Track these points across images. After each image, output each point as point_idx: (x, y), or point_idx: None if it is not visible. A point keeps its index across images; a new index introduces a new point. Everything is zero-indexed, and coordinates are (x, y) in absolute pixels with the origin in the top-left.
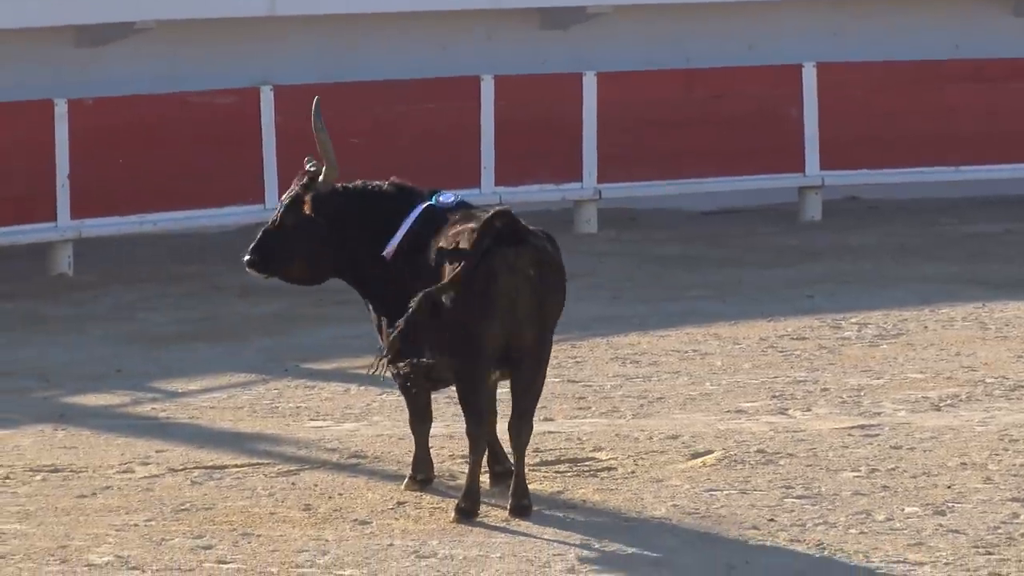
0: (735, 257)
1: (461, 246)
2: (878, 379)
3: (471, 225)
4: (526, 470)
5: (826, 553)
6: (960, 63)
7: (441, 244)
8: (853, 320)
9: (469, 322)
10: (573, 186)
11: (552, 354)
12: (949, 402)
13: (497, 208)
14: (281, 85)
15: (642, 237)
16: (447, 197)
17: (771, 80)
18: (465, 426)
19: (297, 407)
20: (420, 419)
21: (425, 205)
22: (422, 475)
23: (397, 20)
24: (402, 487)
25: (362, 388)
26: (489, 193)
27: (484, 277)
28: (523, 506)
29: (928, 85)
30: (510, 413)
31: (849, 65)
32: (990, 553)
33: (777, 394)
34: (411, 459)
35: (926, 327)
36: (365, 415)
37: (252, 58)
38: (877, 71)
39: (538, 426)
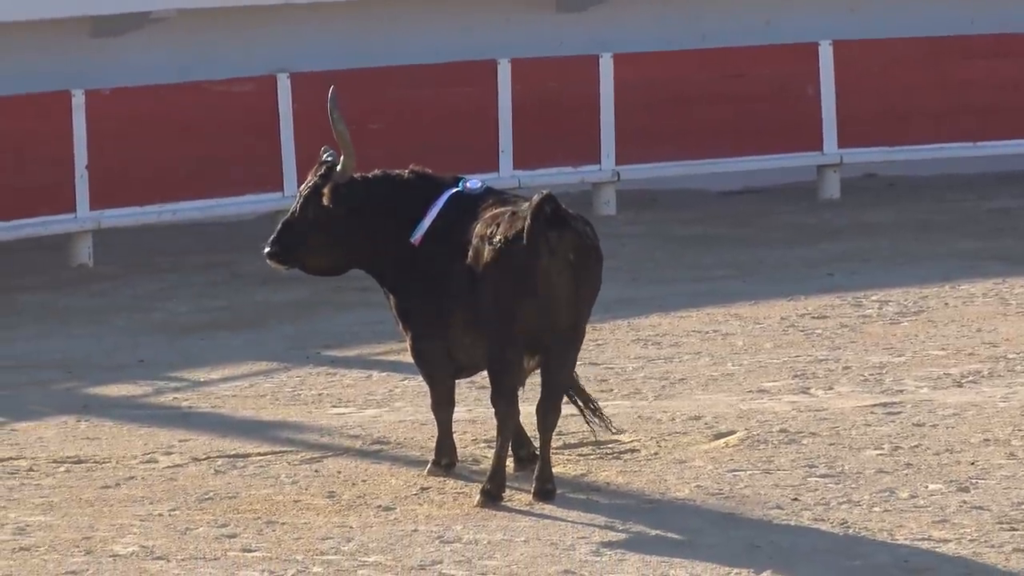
0: (754, 236)
1: (502, 230)
2: (900, 356)
3: (509, 208)
4: (550, 454)
5: (850, 532)
6: (977, 38)
7: (479, 228)
8: (874, 298)
9: (507, 301)
10: (591, 168)
11: None
12: (971, 378)
13: (544, 192)
14: (298, 73)
15: (661, 218)
16: (474, 183)
17: (788, 58)
18: (493, 408)
19: (319, 394)
20: (443, 404)
21: (453, 191)
22: (446, 460)
23: (413, 5)
24: (425, 472)
25: (384, 374)
26: (507, 176)
27: (525, 257)
28: (547, 490)
29: (945, 60)
30: (539, 397)
31: (865, 42)
32: (1015, 529)
33: (799, 373)
34: (434, 444)
35: (947, 304)
36: (387, 401)
37: (269, 46)
38: (894, 47)
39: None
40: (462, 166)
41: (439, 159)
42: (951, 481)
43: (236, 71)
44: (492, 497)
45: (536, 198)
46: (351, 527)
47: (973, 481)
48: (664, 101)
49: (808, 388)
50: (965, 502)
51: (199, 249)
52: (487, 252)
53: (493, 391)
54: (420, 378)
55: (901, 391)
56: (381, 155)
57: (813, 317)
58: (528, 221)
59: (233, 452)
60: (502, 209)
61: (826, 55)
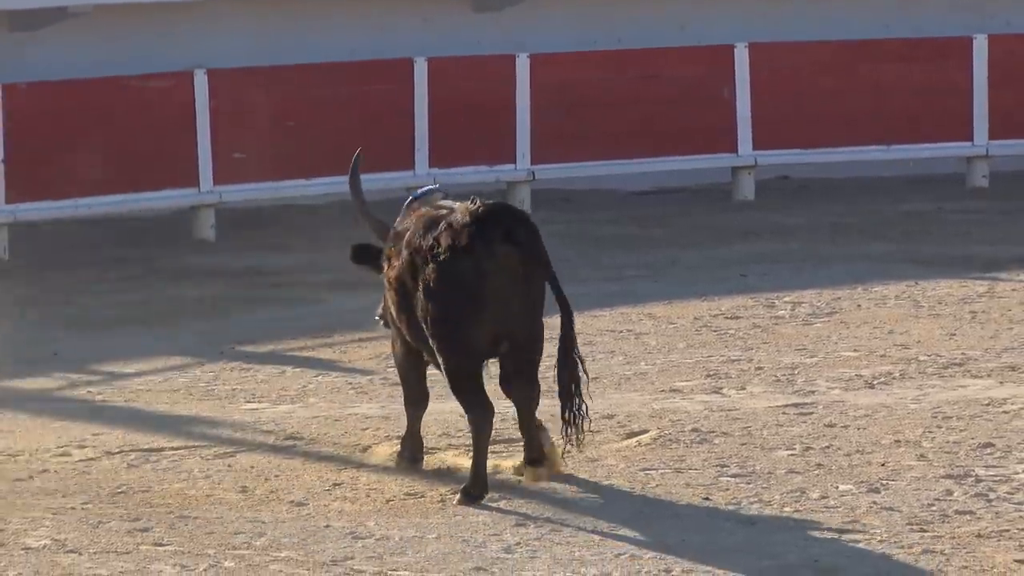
0: (669, 237)
1: (442, 244)
2: (812, 357)
3: (437, 215)
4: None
5: (761, 531)
6: (890, 42)
7: (409, 237)
8: (787, 299)
9: (456, 320)
10: (507, 167)
11: None
12: (883, 380)
13: (478, 203)
14: (215, 69)
15: (576, 218)
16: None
17: (703, 60)
18: (467, 416)
19: (233, 389)
20: (415, 402)
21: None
22: (409, 453)
23: (332, 3)
24: (394, 463)
25: (298, 370)
26: (423, 174)
27: (473, 275)
28: (535, 459)
29: (859, 64)
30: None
31: (781, 45)
32: (924, 530)
33: (712, 373)
34: (346, 440)
35: (859, 305)
36: (301, 397)
37: (186, 41)
38: (809, 51)
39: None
40: (378, 164)
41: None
42: (862, 482)
43: (153, 66)
44: (472, 498)
45: (470, 206)
46: (263, 522)
47: (883, 482)
48: (580, 102)
49: (720, 388)
50: (875, 503)
51: (115, 244)
52: (429, 269)
53: (461, 405)
54: (334, 374)
55: (813, 392)
56: (296, 152)
57: (726, 317)
58: (466, 237)
59: (146, 446)
60: (428, 213)
61: (742, 57)
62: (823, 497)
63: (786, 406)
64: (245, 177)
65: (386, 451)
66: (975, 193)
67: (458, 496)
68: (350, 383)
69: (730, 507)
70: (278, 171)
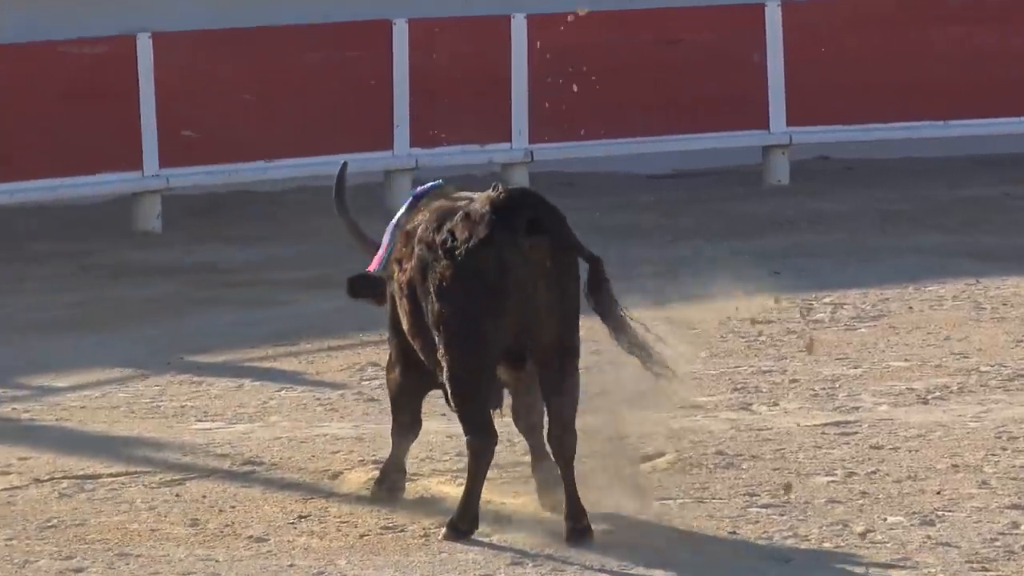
0: (689, 228)
1: (459, 236)
2: (856, 368)
3: (455, 205)
4: (575, 486)
5: (797, 570)
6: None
7: (420, 232)
8: (827, 300)
9: (470, 323)
10: (501, 147)
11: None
12: (938, 394)
13: (501, 188)
14: (161, 32)
15: (581, 205)
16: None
17: (729, 21)
18: (466, 438)
19: (182, 406)
20: (404, 430)
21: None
22: (389, 483)
23: None
24: (369, 492)
25: (257, 383)
26: (403, 155)
27: (495, 269)
28: (579, 529)
29: (911, 26)
30: (547, 425)
31: (819, 3)
32: (986, 569)
33: (739, 387)
34: (314, 466)
35: (911, 307)
36: (261, 415)
37: (128, 2)
38: (851, 9)
39: (455, 427)
40: (351, 143)
41: (322, 137)
42: (914, 513)
43: (89, 30)
44: (460, 533)
45: (491, 193)
46: (217, 561)
47: (939, 513)
48: (586, 70)
49: (749, 404)
50: (930, 537)
51: (46, 236)
52: (442, 265)
53: (462, 425)
54: (300, 388)
55: (857, 408)
56: (256, 130)
57: (756, 321)
58: (486, 227)
59: (81, 472)
60: (443, 205)
61: (773, 17)
62: (869, 531)
63: (826, 425)
64: (196, 159)
65: (360, 478)
66: None
67: (443, 530)
68: (318, 399)
69: (761, 542)
70: (235, 152)
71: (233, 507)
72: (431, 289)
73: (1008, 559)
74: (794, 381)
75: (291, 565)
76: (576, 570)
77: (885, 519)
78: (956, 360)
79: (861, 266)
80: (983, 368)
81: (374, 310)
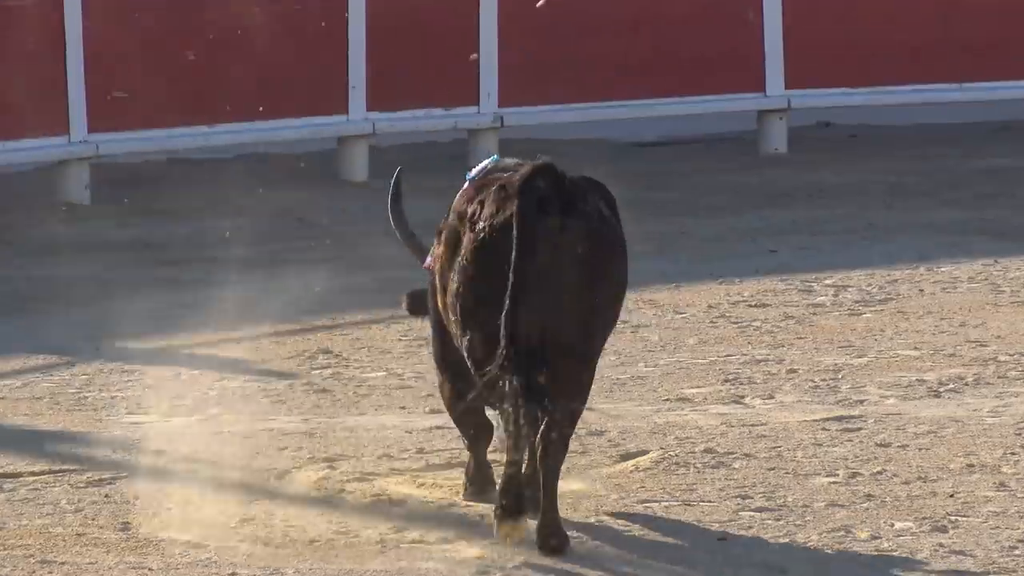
0: (678, 201)
1: (485, 211)
2: (860, 357)
3: (499, 177)
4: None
5: None
6: None
7: (458, 201)
8: (828, 281)
9: (484, 306)
10: (468, 111)
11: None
12: (951, 387)
13: (540, 160)
14: None
15: None
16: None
17: None
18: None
19: (112, 397)
20: (476, 441)
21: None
22: (477, 487)
23: None
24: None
25: (196, 372)
26: (359, 119)
27: (516, 256)
28: (552, 545)
29: None
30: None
31: None
32: None
33: (731, 377)
34: (263, 462)
35: (922, 290)
36: (200, 407)
37: None
38: None
39: (426, 420)
40: (302, 107)
41: (270, 99)
42: (924, 518)
43: None
44: (508, 512)
45: (527, 169)
46: (150, 569)
47: (952, 518)
48: (563, 27)
49: (742, 397)
50: (942, 545)
51: None
52: (466, 239)
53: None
54: (243, 378)
55: (862, 402)
56: (195, 91)
57: (750, 305)
58: (517, 205)
59: (0, 471)
60: (491, 177)
61: None
62: (874, 537)
63: (827, 420)
64: (129, 123)
65: (310, 477)
66: None
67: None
68: (263, 389)
69: (753, 550)
70: (171, 116)
71: (168, 509)
72: (455, 266)
73: None
74: (792, 371)
75: (233, 573)
76: None
77: (892, 525)
78: (972, 349)
79: (866, 244)
80: (1001, 357)
81: (321, 293)
